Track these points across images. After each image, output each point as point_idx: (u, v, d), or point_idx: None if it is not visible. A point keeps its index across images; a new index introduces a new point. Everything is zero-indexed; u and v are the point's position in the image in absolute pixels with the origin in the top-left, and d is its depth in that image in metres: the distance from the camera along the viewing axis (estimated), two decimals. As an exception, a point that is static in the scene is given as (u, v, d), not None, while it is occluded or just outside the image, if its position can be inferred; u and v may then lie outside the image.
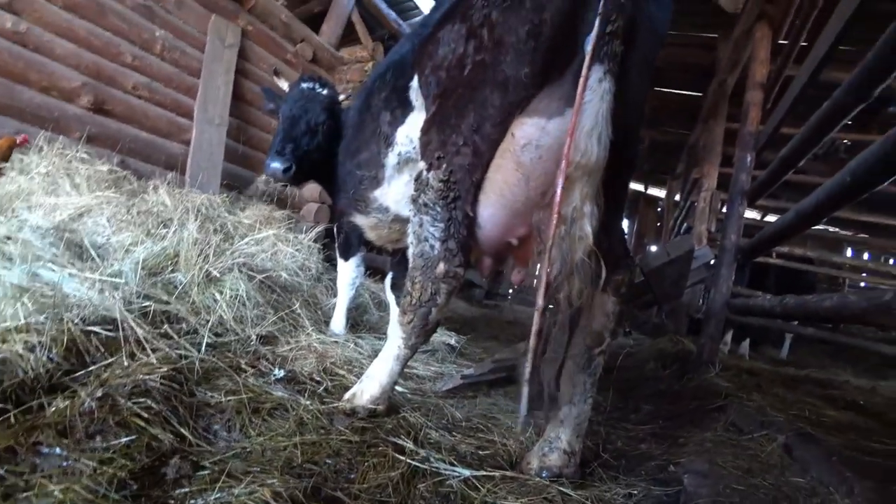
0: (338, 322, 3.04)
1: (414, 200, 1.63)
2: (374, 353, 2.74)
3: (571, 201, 1.36)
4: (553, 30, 1.40)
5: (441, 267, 1.54)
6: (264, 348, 2.29)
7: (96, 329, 1.64)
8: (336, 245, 3.15)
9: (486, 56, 1.46)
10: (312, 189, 6.05)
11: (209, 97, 4.56)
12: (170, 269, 2.40)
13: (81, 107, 3.88)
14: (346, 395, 1.83)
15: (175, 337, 1.94)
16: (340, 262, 3.10)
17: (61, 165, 2.96)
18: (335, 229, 3.18)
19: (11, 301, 1.57)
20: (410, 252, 1.65)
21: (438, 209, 1.53)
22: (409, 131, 1.94)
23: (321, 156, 2.96)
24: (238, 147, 5.10)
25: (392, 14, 6.53)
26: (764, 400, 2.58)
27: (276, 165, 2.72)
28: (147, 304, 2.03)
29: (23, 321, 1.46)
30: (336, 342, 2.63)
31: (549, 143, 1.44)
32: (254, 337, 2.30)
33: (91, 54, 3.88)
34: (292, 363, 2.21)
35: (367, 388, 1.78)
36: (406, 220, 2.11)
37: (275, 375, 2.06)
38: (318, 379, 2.13)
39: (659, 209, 11.59)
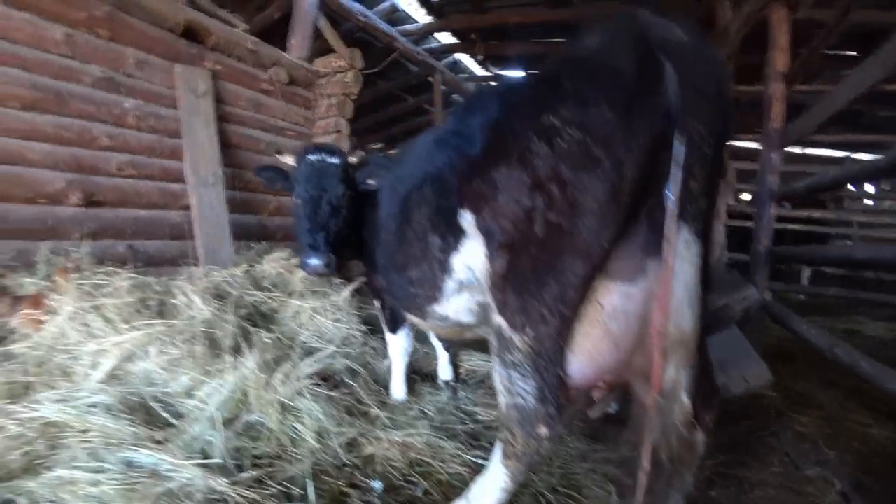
0: (398, 389, 3.08)
1: (498, 354, 1.59)
2: (441, 413, 2.87)
3: (668, 374, 1.40)
4: (634, 186, 1.33)
5: (543, 430, 1.53)
6: (351, 456, 2.33)
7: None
8: (382, 320, 3.09)
9: (562, 220, 1.38)
10: None
11: (197, 157, 4.24)
12: (243, 411, 2.33)
13: (72, 205, 3.60)
14: None
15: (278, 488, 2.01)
16: (389, 335, 3.06)
17: (84, 299, 2.77)
18: (379, 304, 3.08)
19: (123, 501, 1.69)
20: (501, 401, 1.63)
21: (528, 369, 1.50)
22: (467, 260, 1.78)
23: (350, 230, 2.82)
24: (236, 195, 4.82)
25: (357, 6, 5.96)
26: (812, 423, 2.82)
27: (316, 262, 2.55)
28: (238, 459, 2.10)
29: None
30: (408, 425, 2.64)
31: (637, 309, 1.42)
32: (340, 451, 2.32)
33: (65, 148, 3.55)
34: (382, 464, 2.27)
35: None
36: (468, 326, 2.16)
37: (375, 491, 2.12)
38: (412, 479, 2.20)
39: None
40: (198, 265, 4.23)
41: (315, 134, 5.82)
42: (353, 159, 2.87)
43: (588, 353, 1.49)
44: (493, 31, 7.64)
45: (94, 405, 2.15)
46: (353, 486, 2.13)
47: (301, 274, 4.61)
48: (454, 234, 1.77)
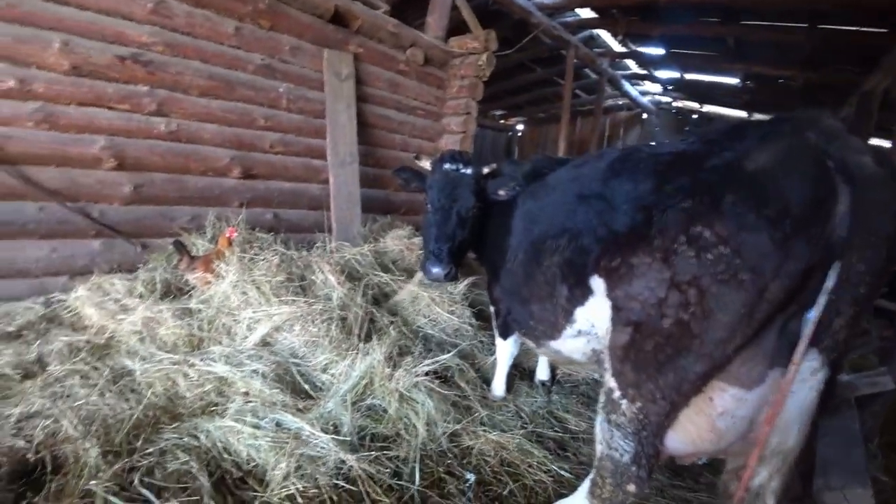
0: (499, 387, 3.16)
1: (604, 410, 1.66)
2: (534, 416, 2.94)
3: (759, 478, 1.46)
4: (772, 306, 1.31)
5: (632, 488, 1.61)
6: (451, 446, 2.50)
7: (342, 483, 2.03)
8: (494, 325, 3.14)
9: (693, 322, 1.39)
10: None
11: (337, 138, 4.54)
12: (368, 395, 2.54)
13: (234, 177, 4.11)
14: None
15: (391, 466, 2.25)
16: (499, 339, 3.11)
17: (243, 270, 3.16)
18: (494, 312, 3.10)
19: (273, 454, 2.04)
20: (598, 448, 1.72)
21: (629, 432, 1.58)
22: (591, 315, 1.83)
23: (474, 238, 2.88)
24: (368, 171, 5.10)
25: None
26: None
27: (438, 271, 2.63)
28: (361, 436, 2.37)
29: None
30: (504, 424, 2.78)
31: (747, 413, 1.45)
32: (443, 441, 2.49)
33: (231, 129, 4.02)
34: (477, 458, 2.43)
35: None
36: (577, 362, 2.26)
37: (467, 481, 2.28)
38: (502, 477, 2.34)
39: None
40: (330, 235, 4.62)
41: (445, 114, 5.88)
42: (485, 170, 2.86)
43: (689, 437, 1.54)
44: (637, 8, 6.91)
45: (254, 371, 2.49)
46: (450, 473, 2.30)
47: (418, 252, 4.87)
48: (582, 291, 1.82)
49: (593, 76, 10.04)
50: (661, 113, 12.06)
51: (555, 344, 2.21)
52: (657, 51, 8.12)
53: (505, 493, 2.24)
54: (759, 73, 7.41)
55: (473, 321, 3.82)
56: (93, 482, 1.72)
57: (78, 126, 3.23)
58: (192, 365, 2.49)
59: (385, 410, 2.53)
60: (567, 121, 8.49)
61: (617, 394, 1.61)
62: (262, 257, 3.43)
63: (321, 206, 4.73)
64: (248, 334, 2.87)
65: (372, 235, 4.94)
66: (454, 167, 2.79)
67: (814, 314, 1.27)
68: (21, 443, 1.89)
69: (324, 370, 2.70)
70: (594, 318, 1.80)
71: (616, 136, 12.57)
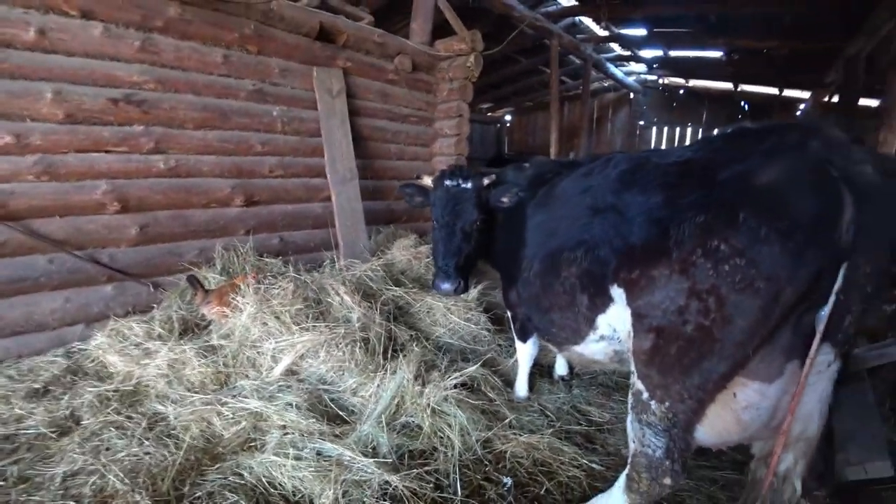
0: (522, 388, 3.21)
1: (634, 410, 1.74)
2: (559, 412, 3.00)
3: (785, 462, 1.57)
4: (787, 308, 1.40)
5: (668, 481, 1.69)
6: (486, 453, 2.54)
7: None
8: (512, 328, 3.18)
9: (713, 327, 1.47)
10: None
11: (335, 156, 4.53)
12: (402, 415, 2.58)
13: (237, 206, 4.10)
14: None
15: (432, 480, 2.29)
16: (519, 343, 3.16)
17: (261, 301, 3.17)
18: (511, 317, 3.15)
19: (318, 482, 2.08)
20: (631, 447, 1.80)
21: (660, 429, 1.66)
22: (612, 321, 1.92)
23: (482, 248, 2.97)
24: (368, 184, 5.09)
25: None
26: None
27: (447, 287, 2.76)
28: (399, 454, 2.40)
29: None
30: (532, 424, 2.83)
31: (770, 405, 1.54)
32: (478, 449, 2.53)
33: (229, 158, 4.01)
34: (511, 461, 2.48)
35: None
36: (599, 363, 2.33)
37: (505, 485, 2.34)
38: (538, 478, 2.39)
39: (798, 112, 9.70)
40: (337, 251, 4.62)
41: (437, 118, 5.87)
42: (485, 181, 2.90)
43: (717, 430, 1.62)
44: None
45: (288, 403, 2.52)
46: (488, 480, 2.36)
47: (426, 260, 4.89)
48: (603, 299, 1.90)
49: (577, 62, 10.03)
50: (647, 91, 12.07)
51: (578, 348, 2.28)
52: (640, 32, 8.12)
53: (542, 492, 2.30)
54: (742, 46, 7.42)
55: (490, 326, 3.86)
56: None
57: (78, 173, 3.21)
58: (224, 403, 2.51)
59: (419, 427, 2.57)
60: (557, 108, 8.48)
61: (645, 395, 1.70)
62: (276, 285, 3.43)
63: (325, 224, 4.73)
64: (274, 365, 2.88)
65: (378, 248, 4.96)
66: (454, 183, 2.85)
67: (825, 312, 1.36)
68: (71, 504, 1.90)
69: (354, 393, 2.72)
70: (616, 323, 1.91)
71: (605, 117, 12.58)
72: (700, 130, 11.57)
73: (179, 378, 2.75)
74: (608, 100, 12.31)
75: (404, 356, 2.94)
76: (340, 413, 2.61)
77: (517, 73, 11.17)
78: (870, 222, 1.31)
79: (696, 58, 8.80)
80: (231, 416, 2.44)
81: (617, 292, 1.80)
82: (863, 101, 6.78)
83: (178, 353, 2.85)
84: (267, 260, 4.17)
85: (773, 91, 9.59)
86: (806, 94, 8.96)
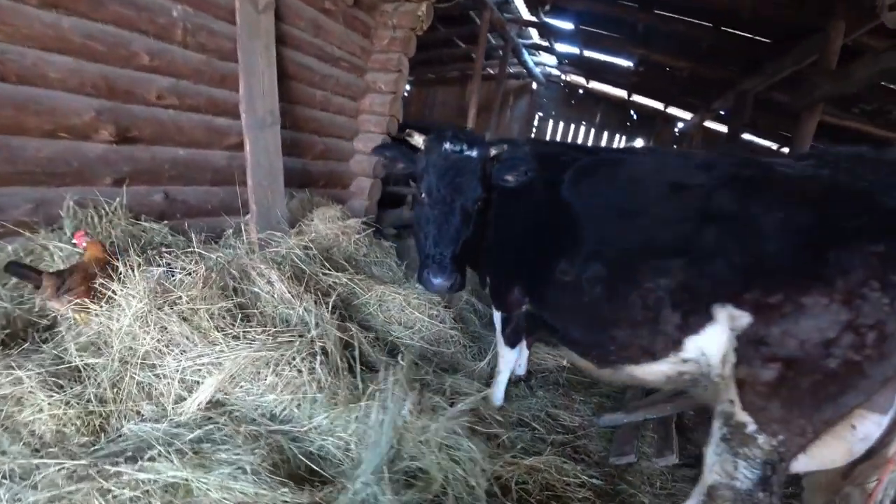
0: (499, 395, 2.87)
1: (727, 442, 1.59)
2: (536, 420, 2.80)
3: (886, 490, 1.49)
4: None
5: None
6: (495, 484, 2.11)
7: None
8: (502, 332, 2.75)
9: (864, 363, 1.37)
10: (361, 161, 5.10)
11: (254, 91, 3.39)
12: (402, 460, 1.92)
13: (102, 141, 2.80)
14: None
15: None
16: (506, 349, 2.77)
17: (157, 293, 2.11)
18: (503, 319, 2.70)
19: None
20: (711, 477, 1.64)
21: (759, 462, 1.53)
22: (703, 344, 1.71)
23: (479, 237, 2.40)
24: (284, 135, 4.00)
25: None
26: None
27: (441, 282, 2.12)
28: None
29: None
30: (523, 438, 2.56)
31: (880, 434, 1.50)
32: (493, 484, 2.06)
33: (96, 66, 2.67)
34: (518, 490, 2.14)
35: None
36: (639, 381, 2.16)
37: None
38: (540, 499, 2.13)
39: (676, 131, 10.96)
40: (246, 218, 3.55)
41: (371, 69, 4.93)
42: (493, 151, 2.34)
43: (822, 460, 1.57)
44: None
45: (224, 460, 1.60)
46: None
47: (356, 237, 4.09)
48: (699, 319, 1.69)
49: (492, 42, 9.67)
50: (551, 85, 12.32)
51: (633, 370, 2.00)
52: (567, 25, 8.03)
53: None
54: (654, 60, 7.80)
55: (456, 325, 3.29)
56: None
57: None
58: (109, 473, 1.51)
59: (423, 471, 1.93)
60: (479, 85, 8.03)
61: (752, 428, 1.55)
62: (175, 265, 2.37)
63: (230, 181, 3.58)
64: (186, 395, 1.92)
65: (299, 219, 3.96)
66: (457, 148, 2.25)
67: None
68: None
69: (329, 433, 1.92)
70: (708, 346, 1.70)
71: (506, 103, 12.53)
72: (593, 131, 12.26)
73: (14, 430, 1.63)
74: (511, 86, 12.26)
75: (392, 374, 2.20)
76: (314, 467, 1.80)
77: (430, 42, 10.39)
78: None
79: (606, 62, 9.10)
80: (128, 498, 1.46)
81: (724, 313, 1.62)
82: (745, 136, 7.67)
83: (11, 384, 1.70)
84: (146, 224, 2.96)
85: (659, 105, 10.53)
86: (686, 114, 10.00)
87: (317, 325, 2.38)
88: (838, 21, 4.48)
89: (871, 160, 1.62)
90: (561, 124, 12.62)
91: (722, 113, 8.60)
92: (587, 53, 9.08)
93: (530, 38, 9.72)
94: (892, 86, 5.26)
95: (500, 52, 9.57)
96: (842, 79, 4.16)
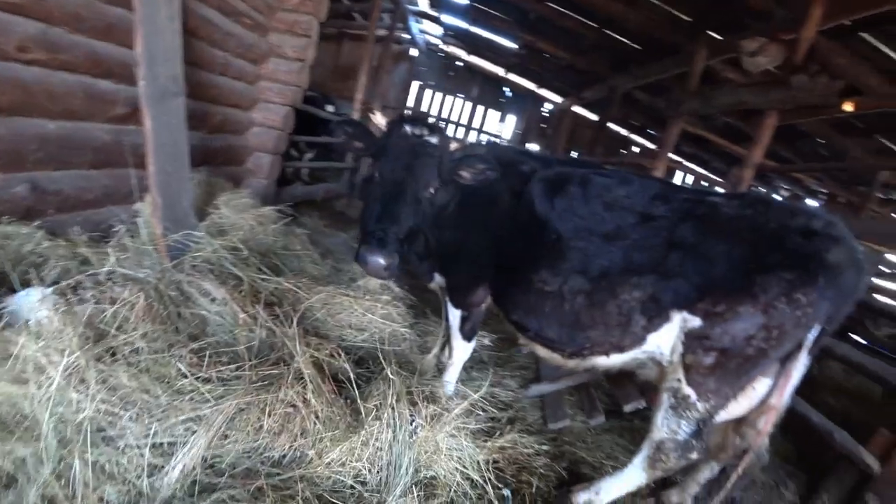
0: (452, 385, 2.90)
1: (674, 408, 2.08)
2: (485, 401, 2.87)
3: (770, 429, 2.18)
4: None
5: (694, 455, 2.10)
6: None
7: None
8: (459, 328, 2.80)
9: (768, 348, 1.93)
10: (259, 135, 4.51)
11: (155, 50, 2.68)
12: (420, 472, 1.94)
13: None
14: (581, 497, 2.31)
15: None
16: (464, 343, 2.84)
17: (88, 338, 1.65)
18: (462, 317, 2.75)
19: None
20: (658, 435, 2.11)
21: (694, 421, 2.05)
22: (661, 341, 2.14)
23: (423, 230, 2.47)
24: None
25: None
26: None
27: (378, 261, 2.06)
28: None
29: None
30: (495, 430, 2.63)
31: (768, 391, 2.08)
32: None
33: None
34: (496, 473, 2.27)
35: (604, 496, 2.29)
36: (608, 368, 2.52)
37: (508, 498, 2.21)
38: (523, 478, 2.38)
39: (544, 111, 11.80)
40: (140, 211, 2.89)
41: (276, 30, 4.27)
42: (454, 145, 2.42)
43: (733, 412, 2.14)
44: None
45: None
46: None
47: (272, 227, 3.66)
48: (660, 321, 2.12)
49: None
50: (431, 54, 12.13)
51: (602, 360, 2.35)
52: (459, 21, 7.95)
53: (533, 490, 2.32)
54: (539, 47, 8.23)
55: (408, 320, 3.18)
56: None
57: None
58: None
59: (434, 477, 1.97)
60: (372, 48, 7.58)
61: (693, 398, 2.04)
62: (103, 294, 1.85)
63: (116, 162, 2.86)
64: (161, 462, 1.56)
65: (202, 208, 3.35)
66: (417, 132, 2.30)
67: (812, 335, 1.91)
68: None
69: (340, 465, 1.78)
70: (663, 341, 2.14)
71: (384, 67, 11.98)
72: (471, 105, 12.53)
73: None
74: (390, 51, 11.75)
75: (388, 389, 2.07)
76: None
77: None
78: (854, 293, 1.97)
79: (491, 40, 9.29)
80: None
81: (679, 316, 2.07)
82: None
83: None
84: (8, 228, 2.23)
85: (532, 86, 11.22)
86: (557, 97, 10.87)
87: (286, 348, 2.09)
88: (702, 47, 5.28)
89: (772, 205, 2.15)
90: (440, 96, 12.62)
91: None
92: (474, 29, 9.14)
93: (416, 4, 9.39)
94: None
95: (389, 15, 9.07)
96: (705, 100, 4.96)
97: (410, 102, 12.55)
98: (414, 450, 1.92)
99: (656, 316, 2.13)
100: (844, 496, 2.87)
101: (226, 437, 1.68)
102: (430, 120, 2.43)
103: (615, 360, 2.32)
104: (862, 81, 4.51)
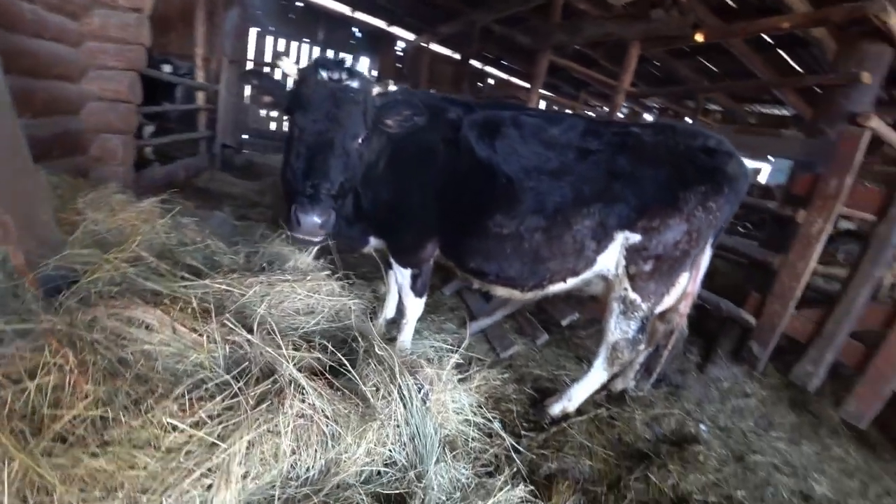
0: (409, 340, 2.94)
1: (623, 313, 2.47)
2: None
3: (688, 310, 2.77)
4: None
5: (642, 346, 2.60)
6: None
7: None
8: (411, 287, 2.78)
9: (690, 249, 2.38)
10: (98, 112, 3.67)
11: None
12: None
13: None
14: (557, 408, 2.66)
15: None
16: (416, 300, 2.83)
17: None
18: (411, 276, 2.73)
19: None
20: (611, 337, 2.51)
21: (639, 320, 2.47)
22: (607, 260, 2.45)
23: (353, 190, 2.43)
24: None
25: None
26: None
27: (312, 220, 1.94)
28: None
29: None
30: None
31: (687, 283, 2.58)
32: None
33: None
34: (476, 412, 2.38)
35: (575, 401, 2.68)
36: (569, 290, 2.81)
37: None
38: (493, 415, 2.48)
39: (398, 51, 11.54)
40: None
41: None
42: (376, 88, 2.23)
43: (666, 304, 2.59)
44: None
45: None
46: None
47: (159, 223, 3.11)
48: (606, 243, 2.41)
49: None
50: (263, -9, 10.65)
51: (560, 286, 2.60)
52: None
53: (516, 414, 2.65)
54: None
55: (351, 292, 2.98)
56: None
57: None
58: None
59: (446, 435, 2.05)
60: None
61: (638, 301, 2.42)
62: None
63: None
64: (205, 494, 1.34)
65: (62, 216, 2.65)
66: (335, 76, 2.09)
67: (713, 240, 2.50)
68: None
69: (370, 457, 1.72)
70: (608, 259, 2.45)
71: (215, 14, 10.28)
72: (319, 49, 11.49)
73: None
74: (215, -6, 10.05)
75: (381, 365, 2.00)
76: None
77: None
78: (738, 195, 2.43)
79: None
80: None
81: (622, 235, 2.38)
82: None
83: None
84: None
85: (383, 24, 10.66)
86: (410, 35, 10.52)
87: (261, 358, 1.86)
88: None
89: (676, 129, 2.48)
90: (281, 42, 11.37)
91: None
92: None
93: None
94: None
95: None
96: (572, 33, 5.25)
97: (251, 54, 11.10)
98: (432, 415, 1.93)
99: (604, 238, 2.41)
100: (733, 348, 3.62)
101: (245, 476, 1.47)
102: (347, 63, 2.16)
103: (570, 283, 2.59)
104: (700, 17, 5.16)
